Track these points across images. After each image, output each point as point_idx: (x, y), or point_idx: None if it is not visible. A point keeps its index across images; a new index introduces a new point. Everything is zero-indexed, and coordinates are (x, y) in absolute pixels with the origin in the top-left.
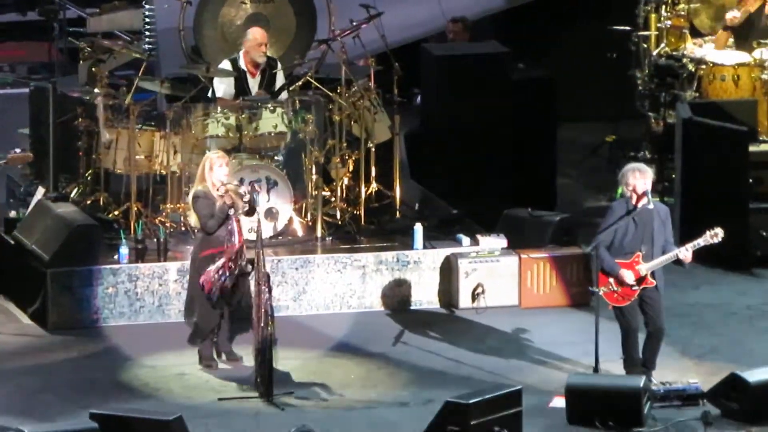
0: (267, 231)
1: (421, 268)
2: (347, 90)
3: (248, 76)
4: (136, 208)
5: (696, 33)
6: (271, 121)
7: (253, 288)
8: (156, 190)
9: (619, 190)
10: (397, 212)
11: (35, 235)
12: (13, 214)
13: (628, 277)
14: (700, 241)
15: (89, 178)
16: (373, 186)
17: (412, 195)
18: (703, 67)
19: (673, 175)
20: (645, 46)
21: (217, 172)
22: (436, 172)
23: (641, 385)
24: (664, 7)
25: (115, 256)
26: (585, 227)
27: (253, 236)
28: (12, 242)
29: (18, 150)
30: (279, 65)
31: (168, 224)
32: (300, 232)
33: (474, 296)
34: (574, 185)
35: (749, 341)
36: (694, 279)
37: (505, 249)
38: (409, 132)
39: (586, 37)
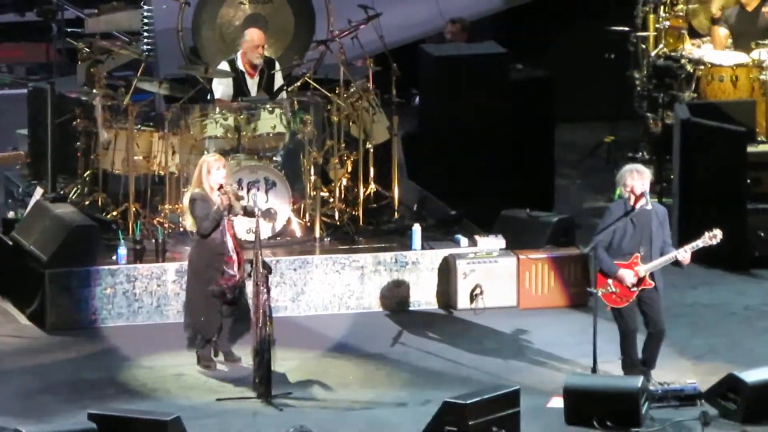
0: (265, 232)
1: (419, 268)
2: (346, 91)
3: (246, 77)
4: (134, 209)
5: (694, 34)
6: (270, 122)
7: (251, 288)
8: (154, 191)
9: (618, 191)
10: (396, 213)
11: (34, 236)
12: (11, 214)
13: (627, 278)
14: (699, 243)
15: (87, 178)
16: (372, 187)
17: (411, 196)
18: (702, 67)
19: (672, 176)
20: (643, 46)
21: (214, 175)
22: (435, 172)
23: (639, 385)
24: (662, 7)
25: (114, 257)
26: (583, 228)
27: (250, 237)
28: (10, 243)
29: (10, 149)
30: (277, 66)
31: (166, 225)
32: (298, 233)
33: (472, 297)
34: (573, 186)
35: (747, 342)
36: (693, 279)
37: (504, 250)
38: (408, 133)
39: (585, 38)
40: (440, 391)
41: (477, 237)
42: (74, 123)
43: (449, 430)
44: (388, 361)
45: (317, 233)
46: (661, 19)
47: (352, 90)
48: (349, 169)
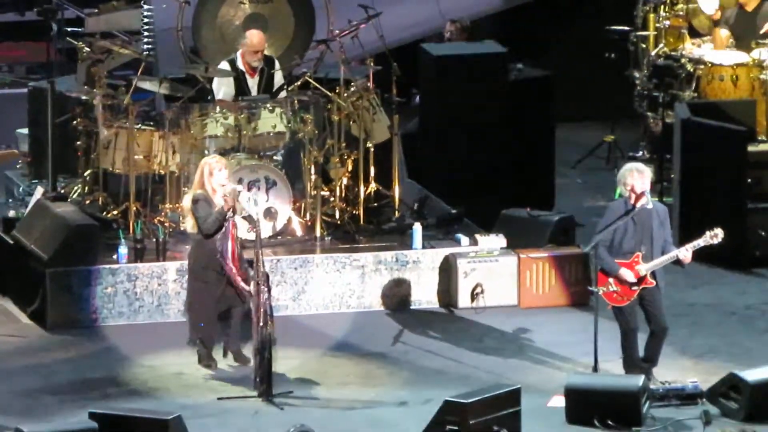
0: (266, 231)
1: (420, 267)
2: (346, 90)
3: (247, 76)
4: (134, 208)
5: (694, 33)
6: (270, 121)
7: (252, 288)
8: (155, 190)
9: (618, 190)
10: (396, 212)
11: (34, 235)
12: (12, 213)
13: (628, 276)
14: (700, 242)
15: (88, 178)
16: (372, 186)
17: (411, 195)
18: (702, 67)
19: (672, 176)
20: (643, 46)
21: (216, 177)
22: (435, 171)
23: (640, 384)
24: (662, 7)
25: (114, 256)
26: (584, 227)
27: (251, 236)
28: (11, 242)
29: (3, 147)
30: (277, 65)
31: (167, 224)
32: (299, 232)
33: (473, 296)
34: (573, 185)
35: (748, 341)
36: (693, 279)
37: (504, 249)
38: (408, 132)
39: (585, 37)
40: (441, 390)
41: (478, 236)
42: (74, 122)
43: (450, 429)
44: (389, 360)
45: (318, 232)
46: (661, 19)
47: (352, 89)
48: (350, 168)
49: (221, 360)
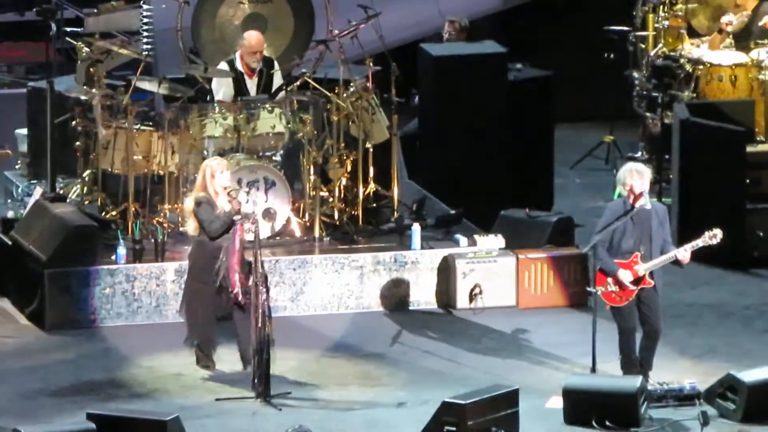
0: (265, 231)
1: (418, 268)
2: (345, 90)
3: (245, 77)
4: (133, 209)
5: (693, 33)
6: (269, 122)
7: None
8: (154, 191)
9: (617, 190)
10: (395, 212)
11: (33, 236)
12: (10, 214)
13: (627, 276)
14: (699, 242)
15: (87, 178)
16: (371, 186)
17: (410, 195)
18: (701, 67)
19: (671, 176)
20: (642, 46)
21: (219, 179)
22: (434, 172)
23: (638, 385)
24: (661, 7)
25: (113, 257)
26: (582, 228)
27: (250, 237)
28: (9, 243)
29: None
30: (276, 65)
31: (166, 225)
32: (298, 233)
33: (472, 296)
34: (572, 185)
35: (746, 342)
36: (692, 279)
37: (503, 249)
38: (407, 132)
39: (584, 38)
40: (439, 391)
41: (476, 237)
42: (73, 123)
43: (448, 430)
44: (388, 360)
45: (316, 233)
46: (660, 19)
47: (351, 89)
48: (349, 168)
49: (220, 361)
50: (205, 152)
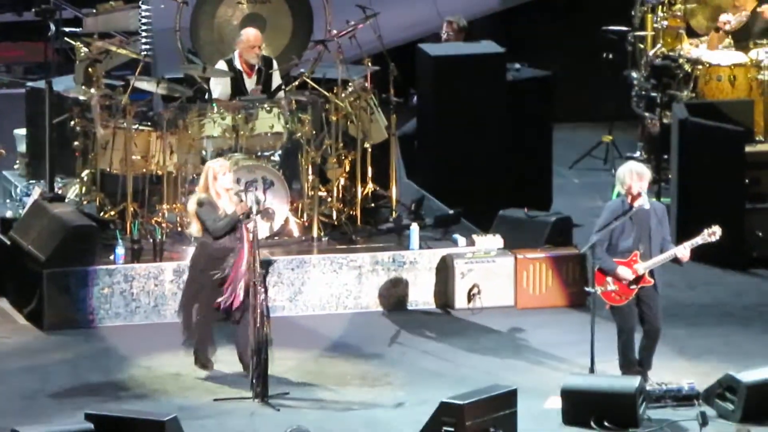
0: (263, 231)
1: (417, 268)
2: (344, 90)
3: (244, 76)
4: (132, 209)
5: (692, 33)
6: (268, 122)
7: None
8: (152, 191)
9: (616, 190)
10: (393, 212)
11: (31, 236)
12: (9, 214)
13: (626, 275)
14: (698, 240)
15: (85, 178)
16: (370, 186)
17: (409, 195)
18: (700, 67)
19: (670, 176)
20: (641, 46)
21: (221, 181)
22: (432, 172)
23: (637, 385)
24: (660, 7)
25: (111, 257)
26: (581, 228)
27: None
28: (8, 243)
29: None
30: (275, 65)
31: (164, 225)
32: (296, 233)
33: (470, 297)
34: (570, 185)
35: (745, 342)
36: (691, 279)
37: (501, 249)
38: (406, 132)
39: (583, 38)
40: (438, 391)
41: (475, 236)
42: (72, 123)
43: (447, 430)
44: (386, 360)
45: (315, 233)
46: (659, 19)
47: (350, 89)
48: (347, 168)
49: (218, 361)
50: (204, 152)
